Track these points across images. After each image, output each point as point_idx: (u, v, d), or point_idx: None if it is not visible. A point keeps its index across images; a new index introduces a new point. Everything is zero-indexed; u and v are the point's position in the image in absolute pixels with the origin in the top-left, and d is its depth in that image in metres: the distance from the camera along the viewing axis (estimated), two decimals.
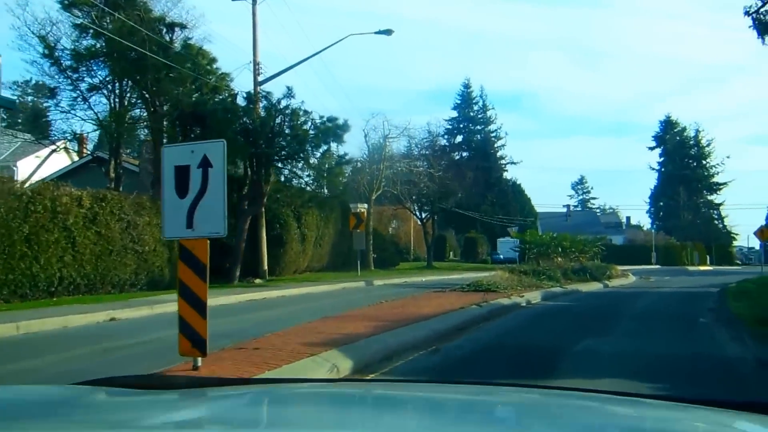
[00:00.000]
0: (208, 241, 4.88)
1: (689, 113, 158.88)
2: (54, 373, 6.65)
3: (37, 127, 25.70)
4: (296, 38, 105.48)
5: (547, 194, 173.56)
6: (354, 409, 1.90)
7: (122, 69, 22.45)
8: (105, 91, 23.98)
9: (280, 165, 24.17)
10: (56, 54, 22.72)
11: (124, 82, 23.80)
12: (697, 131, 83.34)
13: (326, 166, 24.68)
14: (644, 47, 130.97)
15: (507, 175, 70.14)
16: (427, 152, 45.11)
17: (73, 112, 23.76)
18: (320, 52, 25.69)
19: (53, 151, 26.11)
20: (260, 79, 23.84)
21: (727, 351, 8.48)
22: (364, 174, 38.12)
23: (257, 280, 21.87)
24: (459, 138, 72.27)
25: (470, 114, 72.84)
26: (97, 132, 27.41)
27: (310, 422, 1.68)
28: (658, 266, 54.90)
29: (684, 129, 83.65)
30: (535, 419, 1.78)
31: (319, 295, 18.37)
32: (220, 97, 23.59)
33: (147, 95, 23.41)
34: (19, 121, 34.04)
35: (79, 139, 27.69)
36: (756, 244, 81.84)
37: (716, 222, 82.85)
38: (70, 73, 23.24)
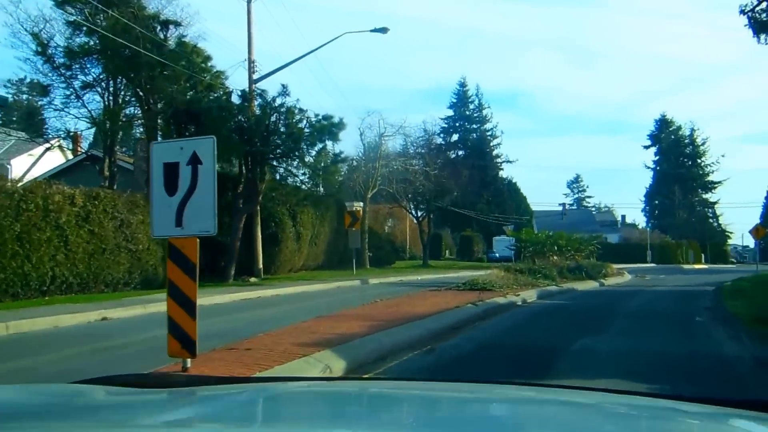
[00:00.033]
0: (198, 240, 4.78)
1: (684, 112, 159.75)
2: (41, 374, 6.53)
3: (31, 125, 25.54)
4: (292, 37, 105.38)
5: (543, 193, 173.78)
6: (349, 407, 1.89)
7: (116, 66, 22.32)
8: (99, 89, 23.83)
9: (275, 163, 24.12)
10: (49, 51, 22.58)
11: (119, 80, 23.65)
12: (692, 130, 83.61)
13: (322, 164, 24.60)
14: (639, 46, 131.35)
15: (503, 173, 70.16)
16: (423, 151, 45.04)
17: (66, 110, 23.62)
18: (316, 50, 25.61)
19: (47, 149, 25.96)
20: (255, 77, 23.73)
21: (724, 350, 8.41)
22: (360, 172, 38.04)
23: (252, 279, 21.77)
24: (455, 137, 72.22)
25: (466, 113, 72.78)
26: (92, 130, 27.33)
27: (307, 420, 1.68)
28: (653, 265, 54.96)
29: (679, 128, 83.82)
30: (531, 416, 1.78)
31: (314, 293, 18.27)
32: (215, 95, 23.46)
33: (141, 93, 23.26)
34: (14, 119, 33.84)
35: (74, 137, 27.52)
36: (750, 242, 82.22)
37: (711, 220, 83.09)
38: (63, 71, 23.09)
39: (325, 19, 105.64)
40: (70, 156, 30.03)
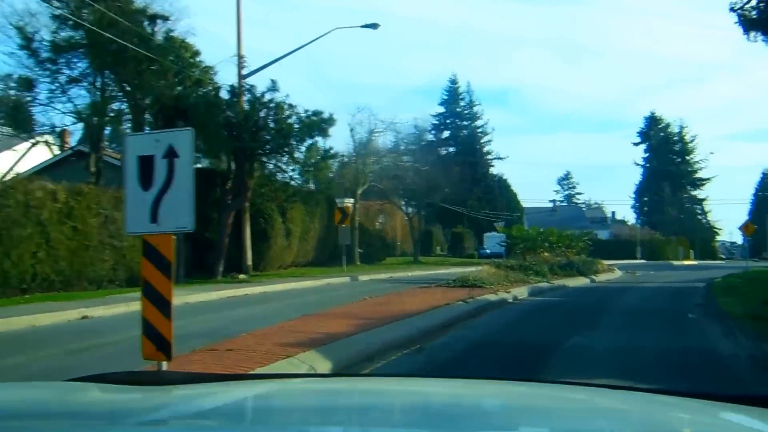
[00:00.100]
0: (174, 237, 4.56)
1: (673, 110, 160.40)
2: (12, 377, 6.27)
3: (17, 121, 25.13)
4: (284, 36, 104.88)
5: (534, 190, 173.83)
6: (343, 403, 1.88)
7: (102, 61, 21.99)
8: (85, 84, 23.48)
9: (264, 159, 23.92)
10: (34, 46, 22.21)
11: (105, 75, 23.31)
12: (681, 127, 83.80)
13: (311, 160, 24.38)
14: (629, 45, 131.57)
15: (493, 170, 70.12)
16: (413, 147, 44.88)
17: (52, 105, 23.27)
18: (306, 45, 25.36)
19: (33, 145, 25.58)
20: (244, 72, 23.47)
21: (719, 347, 8.28)
22: (350, 168, 37.84)
23: (241, 276, 21.55)
24: (446, 133, 72.16)
25: (457, 110, 72.73)
26: (79, 125, 26.93)
27: (301, 417, 1.66)
28: (643, 261, 55.08)
29: (668, 125, 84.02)
30: (524, 411, 1.77)
31: (303, 291, 18.05)
32: (204, 90, 23.17)
33: (128, 88, 22.93)
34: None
35: (61, 133, 27.14)
36: (738, 238, 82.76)
37: (700, 217, 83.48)
38: (49, 65, 22.72)
39: (316, 18, 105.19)
40: (57, 152, 29.62)
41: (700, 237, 76.97)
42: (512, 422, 1.65)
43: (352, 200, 35.18)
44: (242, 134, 21.77)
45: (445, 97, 73.18)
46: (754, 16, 17.31)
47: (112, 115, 24.79)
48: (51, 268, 14.38)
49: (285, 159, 24.02)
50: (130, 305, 12.08)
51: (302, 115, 22.35)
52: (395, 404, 1.87)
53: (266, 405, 1.79)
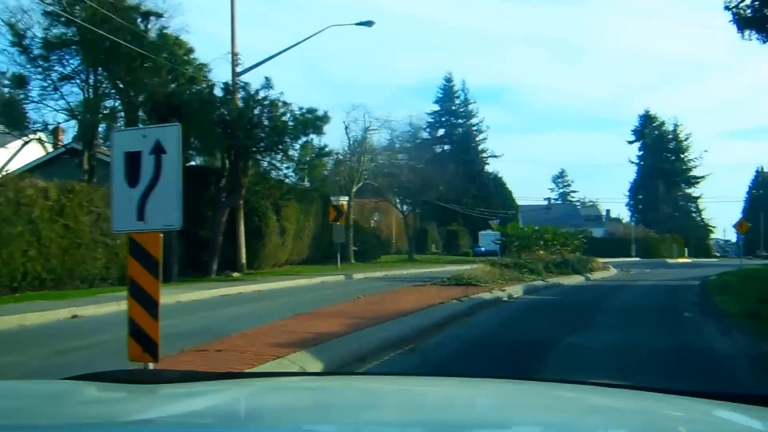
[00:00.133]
0: (161, 235, 4.46)
1: (668, 108, 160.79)
2: None
3: (10, 118, 24.93)
4: (279, 34, 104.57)
5: (528, 188, 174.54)
6: (338, 401, 1.88)
7: (95, 58, 21.83)
8: (78, 81, 23.31)
9: (258, 157, 23.82)
10: (26, 42, 22.04)
11: (98, 72, 23.14)
12: (676, 126, 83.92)
13: (306, 158, 24.27)
14: (623, 43, 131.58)
15: (488, 168, 70.11)
16: (408, 145, 44.79)
17: (44, 102, 23.10)
18: (300, 42, 25.28)
19: (26, 143, 25.40)
20: (239, 70, 23.37)
21: (716, 347, 8.21)
22: (345, 166, 37.75)
23: (235, 274, 21.45)
24: (441, 131, 72.19)
25: (452, 108, 72.74)
26: (71, 123, 26.74)
27: (295, 415, 1.65)
28: (637, 259, 55.15)
29: (662, 123, 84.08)
30: (517, 410, 1.77)
31: (297, 289, 17.94)
32: (198, 87, 23.03)
33: (121, 85, 22.79)
34: None
35: (55, 130, 26.97)
36: (732, 236, 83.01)
37: (694, 215, 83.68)
38: (41, 62, 22.56)
39: (312, 16, 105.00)
40: (51, 149, 29.44)
41: (695, 235, 77.18)
42: (506, 420, 1.65)
43: (346, 198, 35.11)
44: (236, 132, 21.66)
45: (440, 95, 73.19)
46: (749, 15, 17.28)
47: (105, 112, 24.64)
48: (42, 266, 14.22)
49: (279, 157, 23.97)
50: (121, 304, 11.89)
51: (297, 112, 22.26)
52: (389, 403, 1.87)
53: (260, 403, 1.79)
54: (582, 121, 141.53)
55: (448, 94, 72.93)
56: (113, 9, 20.85)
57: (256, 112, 22.12)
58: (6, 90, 31.44)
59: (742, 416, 1.65)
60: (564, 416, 1.69)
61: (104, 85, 23.74)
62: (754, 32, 17.27)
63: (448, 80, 73.33)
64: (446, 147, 68.05)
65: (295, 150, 23.80)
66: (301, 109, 22.31)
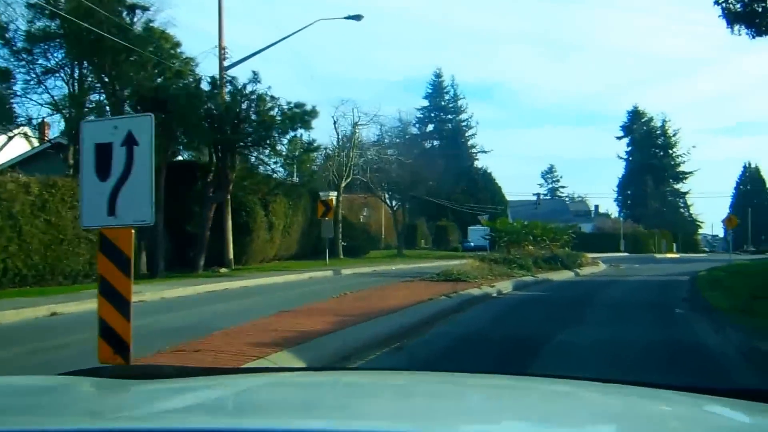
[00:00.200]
0: (133, 231, 4.26)
1: (656, 104, 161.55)
2: None
3: None
4: (268, 29, 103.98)
5: (518, 183, 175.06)
6: (325, 397, 1.89)
7: (79, 51, 21.50)
8: (63, 75, 22.96)
9: (246, 152, 23.60)
10: (8, 35, 21.68)
11: (83, 66, 22.80)
12: (664, 121, 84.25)
13: (294, 152, 24.06)
14: (612, 40, 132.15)
15: (478, 163, 70.23)
16: (398, 140, 44.65)
17: (28, 96, 22.75)
18: (288, 36, 25.16)
19: (10, 138, 25.02)
20: (226, 64, 23.12)
21: (709, 343, 8.08)
22: (334, 161, 37.55)
23: (222, 270, 21.24)
24: (430, 127, 72.22)
25: (441, 103, 72.77)
26: (57, 117, 26.37)
27: (288, 410, 1.65)
28: (626, 254, 55.25)
29: (651, 119, 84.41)
30: (506, 404, 1.78)
31: (283, 285, 17.73)
32: (184, 82, 22.74)
33: (107, 79, 22.46)
34: None
35: (40, 124, 26.60)
36: (720, 231, 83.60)
37: (682, 210, 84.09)
38: (24, 56, 22.20)
39: (301, 12, 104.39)
40: (36, 144, 29.04)
41: (683, 230, 77.59)
42: (495, 415, 1.65)
43: (335, 193, 34.92)
44: (224, 126, 21.45)
45: (430, 91, 73.21)
46: (738, 10, 17.22)
47: (90, 106, 24.30)
48: (23, 262, 13.96)
49: (267, 151, 23.79)
50: None
51: (284, 107, 22.06)
52: (378, 397, 1.87)
53: (250, 398, 1.80)
54: (571, 117, 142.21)
55: (437, 89, 72.91)
56: (98, 1, 20.51)
57: (244, 106, 21.91)
58: None
59: (732, 411, 1.65)
60: (553, 409, 1.70)
61: (89, 79, 23.41)
62: (743, 27, 17.21)
63: (438, 76, 73.38)
64: (435, 142, 68.07)
65: (283, 145, 23.62)
66: (289, 103, 22.14)
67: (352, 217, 43.78)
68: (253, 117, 22.04)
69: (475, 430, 1.47)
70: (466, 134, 71.80)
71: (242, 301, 13.14)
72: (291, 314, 9.29)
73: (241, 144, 22.61)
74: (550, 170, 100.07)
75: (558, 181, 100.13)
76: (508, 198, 69.46)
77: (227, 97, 22.13)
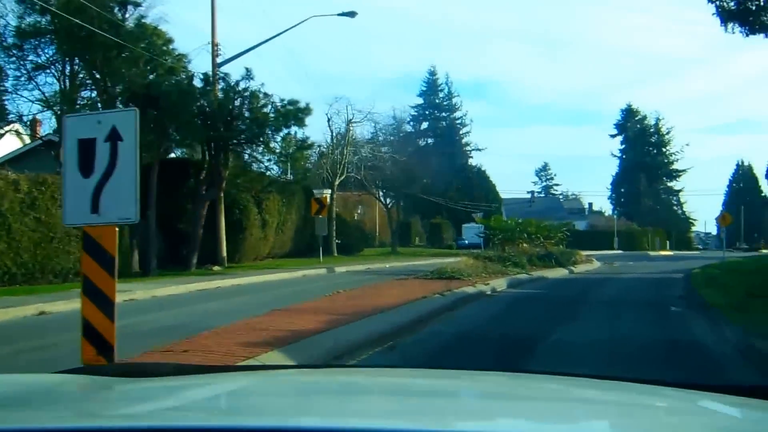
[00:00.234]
0: (117, 229, 4.14)
1: (650, 102, 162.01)
2: None
3: None
4: (262, 27, 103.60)
5: (512, 181, 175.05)
6: (320, 394, 1.88)
7: (70, 47, 21.32)
8: (54, 71, 22.77)
9: (239, 149, 23.45)
10: None
11: (75, 62, 22.60)
12: (657, 120, 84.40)
13: (287, 150, 23.92)
14: (606, 38, 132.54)
15: (472, 161, 70.26)
16: (392, 138, 44.55)
17: (18, 93, 22.55)
18: (282, 33, 24.95)
19: (1, 136, 24.81)
20: (219, 60, 22.97)
21: (705, 340, 8.01)
22: (328, 159, 37.43)
23: (216, 268, 21.11)
24: (425, 124, 72.14)
25: (436, 101, 72.69)
26: (47, 114, 26.17)
27: (282, 408, 1.65)
28: (620, 251, 55.31)
29: (644, 117, 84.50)
30: (501, 401, 1.78)
31: (277, 283, 17.60)
32: (177, 78, 22.56)
33: (98, 75, 22.27)
34: None
35: (32, 121, 26.37)
36: (713, 229, 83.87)
37: (675, 208, 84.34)
38: (14, 51, 22.00)
39: (294, 9, 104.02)
40: (28, 141, 28.82)
41: (676, 228, 77.84)
42: (490, 412, 1.65)
43: (329, 191, 34.79)
44: (216, 123, 21.31)
45: (424, 89, 73.09)
46: (732, 8, 17.20)
47: (82, 103, 24.10)
48: (12, 260, 13.80)
49: (260, 149, 23.63)
50: None
51: (278, 104, 21.91)
52: (374, 395, 1.88)
53: (246, 396, 1.80)
54: (565, 115, 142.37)
55: (431, 87, 72.82)
56: None
57: (237, 103, 21.78)
58: None
59: (729, 407, 1.65)
60: (548, 406, 1.71)
61: (81, 76, 23.23)
62: (737, 25, 17.18)
63: (432, 74, 73.27)
64: (430, 140, 67.97)
65: (277, 142, 23.43)
66: (282, 100, 22.00)
67: (346, 214, 43.65)
68: (246, 114, 21.91)
69: (470, 427, 1.45)
70: (461, 132, 71.75)
71: (234, 299, 13.01)
72: (283, 313, 9.17)
73: (235, 141, 22.47)
74: (545, 168, 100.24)
75: (552, 178, 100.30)
76: (503, 196, 69.53)
77: (220, 94, 22.00)
